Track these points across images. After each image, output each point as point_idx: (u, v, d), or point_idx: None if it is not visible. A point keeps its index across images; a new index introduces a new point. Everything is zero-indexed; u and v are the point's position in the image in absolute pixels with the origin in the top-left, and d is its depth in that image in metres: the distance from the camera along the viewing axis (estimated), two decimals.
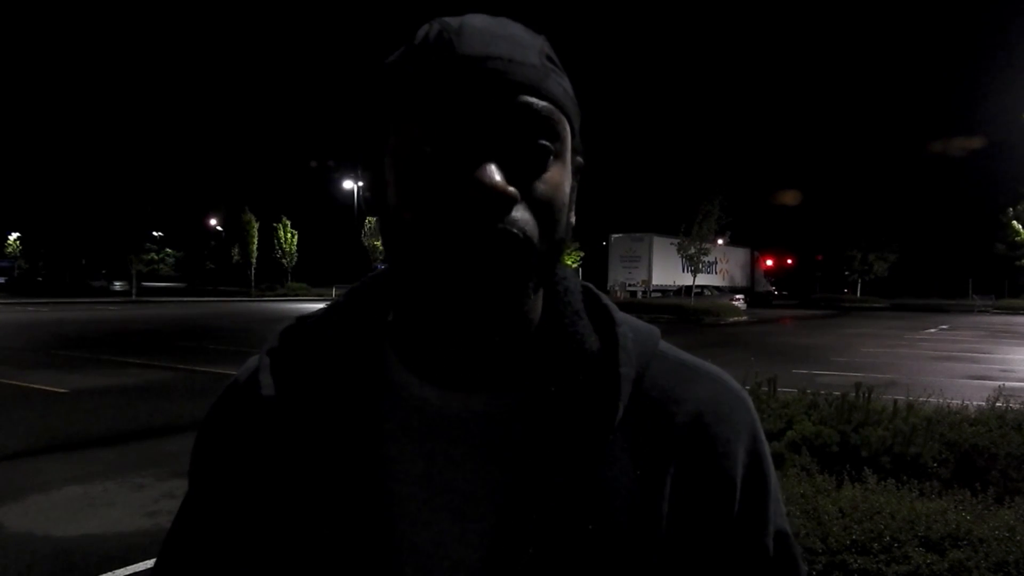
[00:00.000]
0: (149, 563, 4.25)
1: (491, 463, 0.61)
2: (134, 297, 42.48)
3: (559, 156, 0.58)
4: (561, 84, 0.59)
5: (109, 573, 4.16)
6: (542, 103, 0.56)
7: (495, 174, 0.53)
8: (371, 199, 0.63)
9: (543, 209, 0.57)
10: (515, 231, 0.54)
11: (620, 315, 0.67)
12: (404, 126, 0.57)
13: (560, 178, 0.58)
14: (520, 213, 0.55)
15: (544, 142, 0.56)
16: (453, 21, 0.58)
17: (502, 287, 0.55)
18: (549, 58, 0.60)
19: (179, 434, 7.60)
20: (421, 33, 0.59)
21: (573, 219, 0.63)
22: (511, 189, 0.54)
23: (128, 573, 4.18)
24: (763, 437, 0.68)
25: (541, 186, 0.57)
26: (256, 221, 52.00)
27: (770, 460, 0.68)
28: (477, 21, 0.58)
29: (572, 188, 0.62)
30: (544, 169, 0.57)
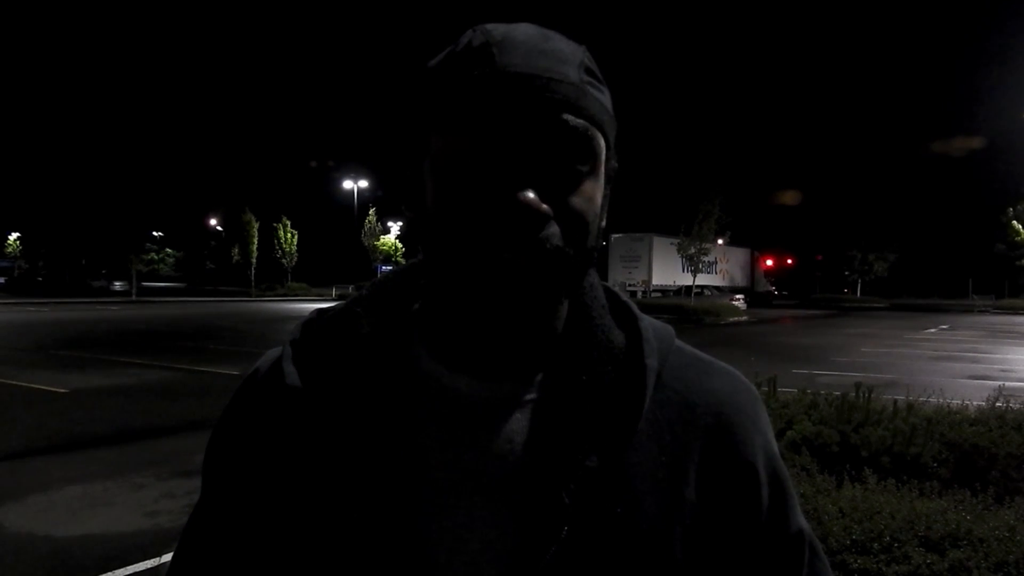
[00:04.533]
0: (149, 563, 4.25)
1: (520, 449, 0.63)
2: (134, 297, 42.47)
3: (593, 171, 0.61)
4: (598, 99, 0.61)
5: (109, 573, 4.16)
6: (579, 121, 0.58)
7: (530, 192, 0.56)
8: (406, 196, 0.65)
9: (576, 222, 0.59)
10: (548, 247, 0.57)
11: (639, 312, 0.71)
12: (445, 133, 0.59)
13: (592, 191, 0.61)
14: (553, 229, 0.58)
15: (579, 159, 0.59)
16: (496, 32, 0.60)
17: (533, 296, 0.59)
18: (589, 71, 0.61)
19: (179, 434, 7.60)
20: (464, 40, 0.61)
21: (604, 222, 0.66)
22: (544, 207, 0.56)
23: (128, 573, 4.18)
24: (772, 430, 0.72)
25: (575, 200, 0.59)
26: (256, 221, 52.02)
27: (779, 453, 0.71)
28: (520, 33, 0.60)
29: (605, 196, 0.65)
30: (579, 184, 0.59)
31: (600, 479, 0.60)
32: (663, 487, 0.63)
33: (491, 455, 0.62)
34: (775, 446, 0.71)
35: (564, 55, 0.59)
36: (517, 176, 0.56)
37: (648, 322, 0.70)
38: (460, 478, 0.62)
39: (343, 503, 0.60)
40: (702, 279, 43.42)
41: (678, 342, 0.71)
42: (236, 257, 53.24)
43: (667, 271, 46.51)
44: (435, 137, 0.60)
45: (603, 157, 0.62)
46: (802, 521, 0.70)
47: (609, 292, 0.72)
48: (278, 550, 0.62)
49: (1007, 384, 7.11)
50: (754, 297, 50.42)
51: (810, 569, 0.69)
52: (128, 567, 4.23)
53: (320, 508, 0.61)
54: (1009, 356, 17.22)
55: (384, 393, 0.63)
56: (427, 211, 0.61)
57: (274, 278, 54.91)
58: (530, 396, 0.65)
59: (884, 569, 2.76)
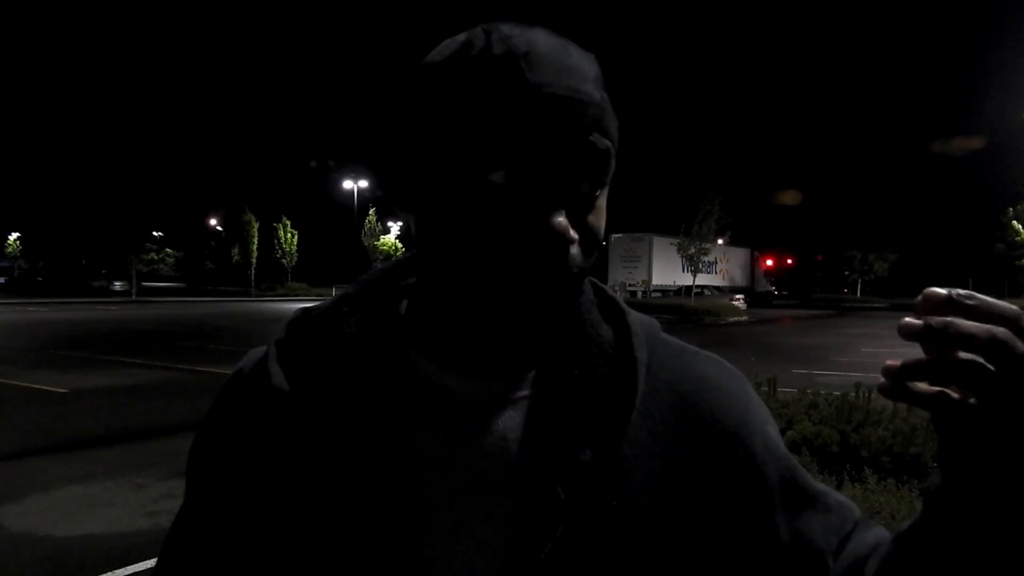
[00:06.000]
0: (149, 563, 4.25)
1: (512, 445, 0.63)
2: (134, 297, 42.50)
3: (606, 186, 0.61)
4: (613, 115, 0.61)
5: (109, 573, 4.16)
6: (605, 142, 0.58)
7: (563, 217, 0.56)
8: (400, 197, 0.64)
9: (591, 239, 0.60)
10: (575, 271, 0.59)
11: (626, 306, 0.71)
12: (470, 146, 0.57)
13: (603, 206, 0.62)
14: (576, 250, 0.59)
15: (601, 178, 0.59)
16: (519, 40, 0.57)
17: (549, 310, 0.59)
18: (602, 84, 0.61)
19: (179, 434, 7.59)
20: (478, 43, 0.58)
21: None
22: (573, 233, 0.57)
23: (128, 573, 4.18)
24: (766, 409, 0.72)
25: (591, 217, 0.60)
26: (256, 221, 52.04)
27: (777, 430, 0.71)
28: (542, 44, 0.57)
29: None
30: (595, 201, 0.60)
31: (595, 473, 0.60)
32: (658, 477, 0.63)
33: (484, 453, 0.62)
34: (771, 424, 0.71)
35: (585, 72, 0.58)
36: (547, 199, 0.56)
37: (635, 316, 0.70)
38: (453, 477, 0.62)
39: (335, 504, 0.60)
40: (702, 279, 43.43)
41: (663, 334, 0.72)
42: (236, 257, 53.24)
43: (667, 271, 46.51)
44: (453, 148, 0.58)
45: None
46: (823, 486, 0.70)
47: (596, 287, 0.72)
48: (268, 552, 0.62)
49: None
50: (754, 297, 50.43)
51: (865, 525, 0.68)
52: (128, 567, 4.23)
53: (311, 509, 0.60)
54: None
55: (374, 392, 0.63)
56: (435, 218, 0.60)
57: (274, 278, 54.91)
58: (522, 393, 0.65)
59: None
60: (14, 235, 58.84)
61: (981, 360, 0.45)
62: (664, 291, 46.41)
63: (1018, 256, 43.83)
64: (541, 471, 0.60)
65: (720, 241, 42.27)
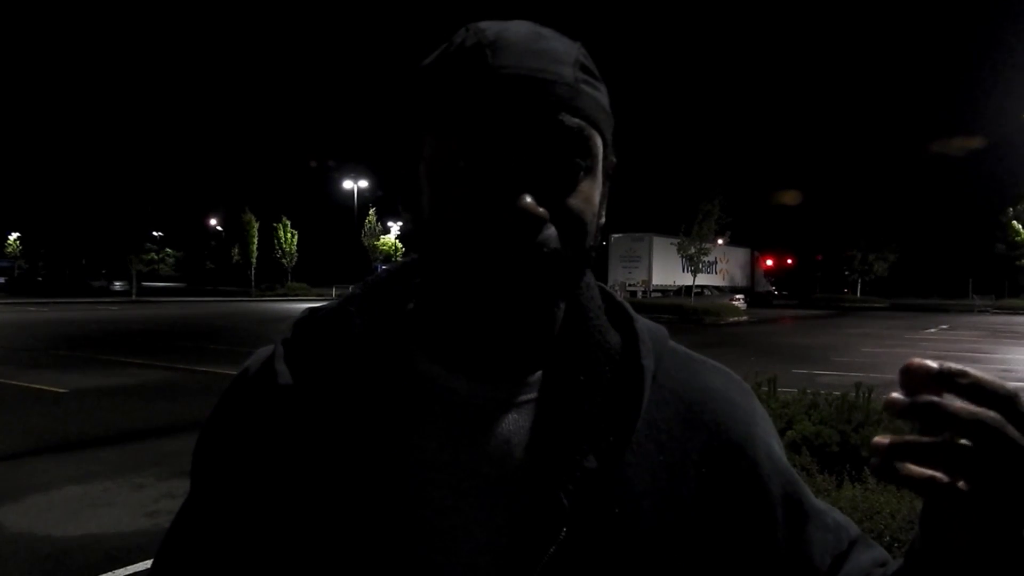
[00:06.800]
0: (149, 563, 4.23)
1: (516, 450, 0.62)
2: (134, 297, 42.47)
3: (590, 170, 0.60)
4: (594, 97, 0.60)
5: (109, 573, 4.16)
6: (575, 121, 0.57)
7: (527, 196, 0.55)
8: (403, 198, 0.65)
9: (573, 223, 0.59)
10: (545, 251, 0.57)
11: (635, 312, 0.71)
12: (439, 136, 0.58)
13: (590, 191, 0.60)
14: (550, 231, 0.57)
15: (576, 159, 0.58)
16: (490, 31, 0.59)
17: (532, 299, 0.58)
18: (585, 68, 0.60)
19: (179, 434, 7.59)
20: (457, 39, 0.60)
21: (603, 220, 0.65)
22: (541, 211, 0.56)
23: (128, 573, 4.18)
24: (770, 422, 0.72)
25: (572, 201, 0.59)
26: (256, 221, 51.99)
27: (781, 445, 0.71)
28: (512, 33, 0.59)
29: (603, 194, 0.64)
30: (575, 184, 0.59)
31: (599, 480, 0.60)
32: (662, 487, 0.63)
33: (488, 456, 0.62)
34: (775, 438, 0.71)
35: (558, 54, 0.59)
36: (513, 179, 0.56)
37: (643, 323, 0.70)
38: (457, 479, 0.61)
39: (338, 504, 0.60)
40: (702, 279, 43.41)
41: (671, 342, 0.71)
42: (236, 257, 53.20)
43: (667, 271, 46.50)
44: (429, 140, 0.59)
45: (600, 155, 0.61)
46: (823, 504, 0.70)
47: (604, 293, 0.71)
48: (271, 551, 0.62)
49: (1007, 384, 7.08)
50: (754, 297, 50.42)
51: (863, 545, 0.68)
52: (128, 567, 4.23)
53: (314, 509, 0.60)
54: (1009, 356, 17.21)
55: (379, 394, 0.63)
56: (423, 214, 0.61)
57: (274, 278, 54.85)
58: (528, 397, 0.64)
59: None
60: (14, 235, 58.86)
61: (970, 444, 0.43)
62: (664, 291, 46.40)
63: (1018, 256, 43.83)
64: (544, 476, 0.60)
65: (720, 241, 42.25)
